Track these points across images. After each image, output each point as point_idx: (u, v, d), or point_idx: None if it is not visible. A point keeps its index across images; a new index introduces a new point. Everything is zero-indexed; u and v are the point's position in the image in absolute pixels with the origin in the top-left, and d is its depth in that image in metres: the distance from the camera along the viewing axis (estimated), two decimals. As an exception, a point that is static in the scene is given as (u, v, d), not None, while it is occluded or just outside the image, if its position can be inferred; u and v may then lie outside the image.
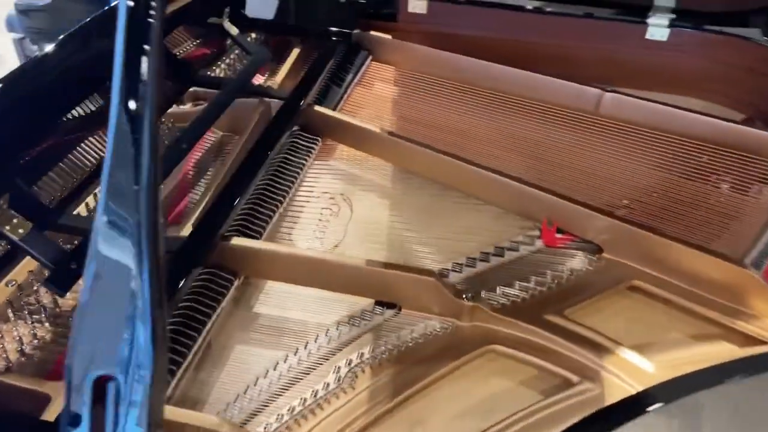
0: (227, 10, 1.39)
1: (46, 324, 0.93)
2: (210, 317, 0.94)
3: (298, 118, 1.34)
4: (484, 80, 1.55)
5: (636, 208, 1.23)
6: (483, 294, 1.05)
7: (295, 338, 0.97)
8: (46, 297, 0.96)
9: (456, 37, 1.77)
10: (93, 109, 1.08)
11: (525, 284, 1.07)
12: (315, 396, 0.88)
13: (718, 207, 1.21)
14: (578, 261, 1.12)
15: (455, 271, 1.09)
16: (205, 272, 0.98)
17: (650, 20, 1.63)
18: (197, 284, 0.96)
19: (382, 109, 1.52)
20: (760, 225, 1.15)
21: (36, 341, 0.91)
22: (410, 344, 0.96)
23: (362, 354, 0.94)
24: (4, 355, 0.87)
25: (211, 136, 1.40)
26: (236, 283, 1.01)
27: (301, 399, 0.88)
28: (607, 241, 1.14)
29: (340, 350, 0.95)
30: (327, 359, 0.94)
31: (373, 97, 1.56)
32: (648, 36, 1.65)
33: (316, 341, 0.96)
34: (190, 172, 1.30)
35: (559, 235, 1.17)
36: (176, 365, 0.86)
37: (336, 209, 1.27)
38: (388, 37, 1.67)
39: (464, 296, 0.98)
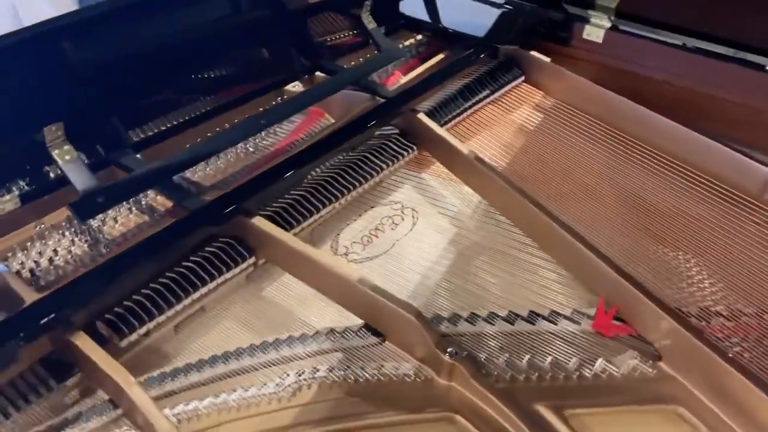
0: (368, 2, 1.39)
1: (84, 245, 1.04)
2: (206, 283, 0.96)
3: (394, 120, 1.30)
4: (639, 130, 1.35)
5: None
6: (482, 357, 0.91)
7: (274, 331, 0.95)
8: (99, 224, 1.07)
9: (631, 74, 1.56)
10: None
11: (538, 363, 0.90)
12: (246, 392, 0.85)
13: None
14: (624, 361, 0.92)
15: (468, 321, 0.97)
16: (222, 240, 1.00)
17: None
18: (209, 249, 0.99)
19: (505, 134, 1.41)
20: None
21: (69, 256, 1.02)
22: (373, 379, 0.88)
23: (317, 369, 0.88)
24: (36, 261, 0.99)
25: (322, 122, 1.43)
26: (249, 260, 1.01)
27: (237, 390, 0.86)
28: (668, 349, 0.92)
29: (301, 358, 0.90)
30: (284, 363, 0.90)
31: (502, 118, 1.45)
32: None
33: (288, 341, 0.93)
34: (285, 151, 1.33)
35: (616, 323, 0.97)
36: (149, 315, 0.89)
37: (398, 221, 1.22)
38: (546, 59, 1.53)
39: (447, 349, 0.86)
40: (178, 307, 0.94)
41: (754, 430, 0.81)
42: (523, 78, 1.56)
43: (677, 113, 1.51)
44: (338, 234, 1.18)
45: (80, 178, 0.94)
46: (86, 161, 1.07)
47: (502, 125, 1.43)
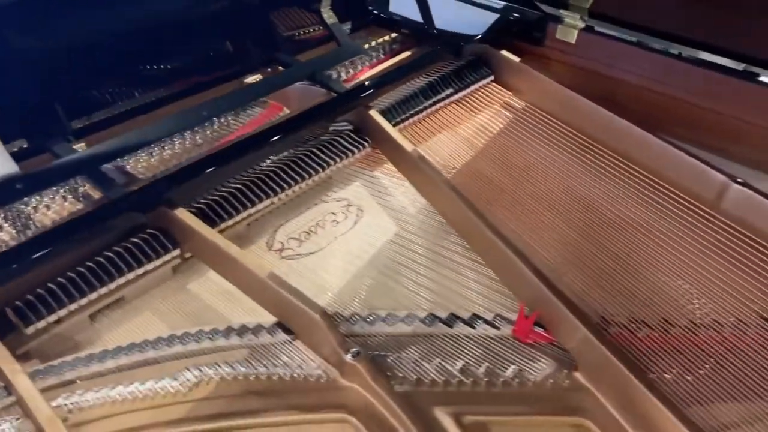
0: (331, -3, 1.37)
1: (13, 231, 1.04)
2: (124, 274, 0.95)
3: (348, 117, 1.28)
4: (600, 133, 1.32)
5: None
6: (391, 358, 0.89)
7: (189, 325, 0.95)
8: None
9: (604, 77, 1.53)
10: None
11: (448, 367, 0.88)
12: (143, 385, 0.84)
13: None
14: (538, 369, 0.89)
15: (384, 321, 0.94)
16: (146, 231, 1.00)
17: None
18: (131, 239, 0.98)
19: (468, 134, 1.38)
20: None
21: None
22: (276, 377, 0.86)
23: (219, 365, 0.87)
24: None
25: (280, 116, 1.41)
26: (173, 253, 1.00)
27: (134, 383, 0.85)
28: (584, 359, 0.88)
29: (206, 353, 0.89)
30: (189, 357, 0.89)
31: (467, 118, 1.42)
32: None
33: (196, 335, 0.92)
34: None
35: (537, 329, 0.94)
36: (59, 303, 0.89)
37: (341, 218, 1.20)
38: (515, 59, 1.50)
39: (350, 350, 0.84)
40: (92, 296, 0.93)
41: None
42: (492, 78, 1.53)
43: (649, 117, 1.47)
44: (277, 229, 1.17)
45: (2, 164, 0.94)
46: (25, 146, 1.08)
47: (467, 125, 1.41)
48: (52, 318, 0.90)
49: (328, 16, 1.41)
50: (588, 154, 1.29)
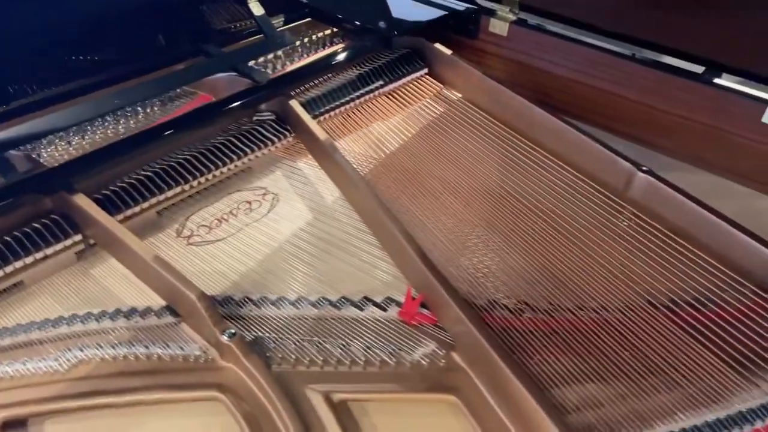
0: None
1: None
2: (20, 258, 0.97)
3: (271, 107, 1.30)
4: (521, 123, 1.34)
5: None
6: (272, 340, 0.90)
7: (82, 308, 0.96)
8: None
9: (534, 69, 1.54)
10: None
11: (329, 348, 0.90)
12: (24, 365, 0.86)
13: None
14: (417, 349, 0.90)
15: (274, 305, 0.96)
16: (48, 217, 1.01)
17: None
18: (33, 224, 1.00)
19: (396, 125, 1.40)
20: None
21: None
22: (156, 357, 0.88)
23: (101, 345, 0.89)
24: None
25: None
26: (74, 238, 1.02)
27: (16, 363, 0.87)
28: (460, 341, 0.90)
29: (90, 335, 0.91)
30: (74, 338, 0.91)
31: (397, 110, 1.45)
32: (765, 119, 1.24)
33: (84, 317, 0.94)
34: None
35: (423, 311, 0.96)
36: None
37: (256, 206, 1.22)
38: (447, 51, 1.51)
39: (225, 331, 0.86)
40: (-14, 279, 0.95)
41: None
42: (426, 70, 1.54)
43: (576, 108, 1.49)
44: (189, 217, 1.18)
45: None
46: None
47: (396, 116, 1.43)
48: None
49: (256, 8, 1.42)
50: (507, 144, 1.31)
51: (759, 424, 0.80)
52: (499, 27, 1.60)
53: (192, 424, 0.82)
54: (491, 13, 1.60)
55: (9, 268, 0.97)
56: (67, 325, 0.93)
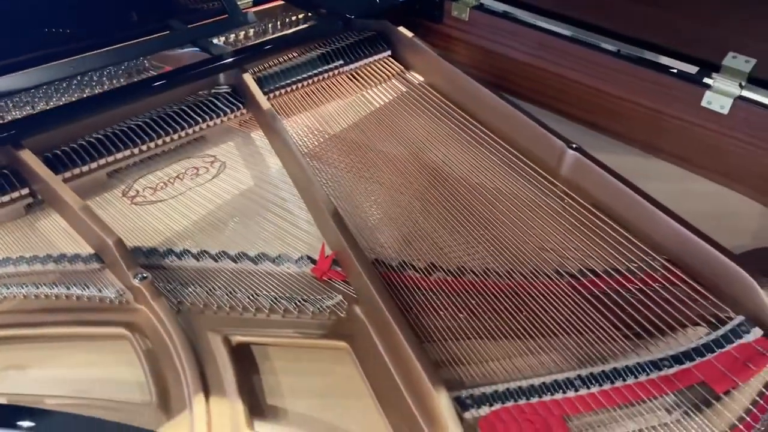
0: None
1: None
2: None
3: (226, 79, 1.39)
4: (471, 103, 1.38)
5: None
6: (186, 288, 0.97)
7: (18, 251, 1.03)
8: None
9: (492, 53, 1.58)
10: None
11: (237, 297, 0.96)
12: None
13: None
14: (322, 301, 0.96)
15: (195, 257, 1.02)
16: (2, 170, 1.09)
17: (715, 83, 1.24)
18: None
19: (352, 103, 1.46)
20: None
21: None
22: (74, 297, 0.95)
23: (25, 285, 0.96)
24: None
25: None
26: (20, 192, 1.09)
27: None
28: (362, 295, 0.95)
29: (18, 276, 0.98)
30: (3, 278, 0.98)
31: (355, 88, 1.50)
32: (704, 103, 1.27)
33: (16, 260, 1.01)
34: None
35: (335, 269, 1.01)
36: None
37: (203, 172, 1.28)
38: (408, 34, 1.56)
39: (137, 275, 0.92)
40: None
41: (409, 387, 0.83)
42: (389, 52, 1.59)
43: (531, 92, 1.53)
44: (137, 179, 1.25)
45: None
46: None
47: (353, 95, 1.48)
48: None
49: (216, -15, 1.49)
50: (455, 123, 1.36)
51: (631, 380, 0.83)
52: (460, 11, 1.64)
53: (101, 359, 0.88)
54: (453, -3, 1.64)
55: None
56: (1, 266, 0.99)
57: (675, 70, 1.32)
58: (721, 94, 1.26)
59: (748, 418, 0.79)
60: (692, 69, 1.31)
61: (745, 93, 1.24)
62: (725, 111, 1.27)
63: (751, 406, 0.81)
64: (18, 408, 0.76)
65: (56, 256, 1.01)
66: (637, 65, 1.36)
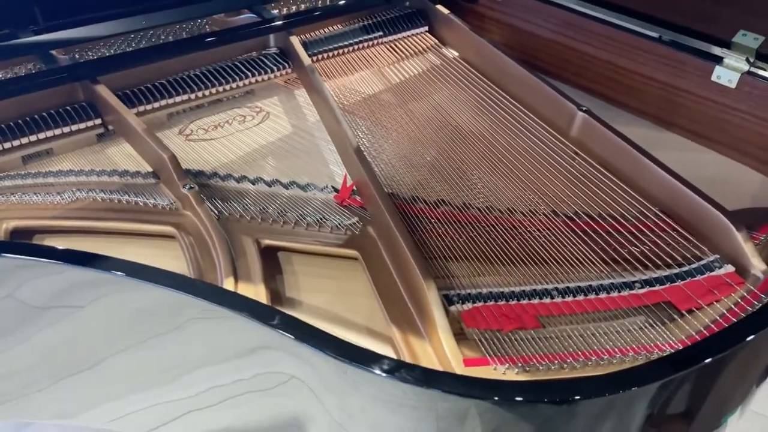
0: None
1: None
2: (51, 129, 1.25)
3: (275, 41, 1.57)
4: (496, 72, 1.52)
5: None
6: (228, 202, 1.14)
7: (89, 165, 1.23)
8: None
9: (523, 32, 1.71)
10: None
11: (269, 211, 1.12)
12: (38, 197, 1.13)
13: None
14: (341, 220, 1.11)
15: (235, 180, 1.20)
16: (79, 102, 1.29)
17: (725, 58, 1.34)
18: (64, 107, 1.28)
19: (388, 69, 1.62)
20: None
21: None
22: (133, 202, 1.13)
23: (95, 191, 1.14)
24: None
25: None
26: (94, 122, 1.29)
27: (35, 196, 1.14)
28: (374, 218, 1.10)
29: (89, 184, 1.17)
30: (78, 185, 1.17)
31: (393, 57, 1.65)
32: (714, 78, 1.37)
33: (87, 172, 1.20)
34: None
35: (354, 197, 1.16)
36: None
37: (249, 119, 1.46)
38: (445, 11, 1.71)
39: (186, 185, 1.10)
40: (23, 140, 1.23)
41: (408, 289, 0.97)
42: (426, 28, 1.74)
43: (557, 69, 1.64)
44: (192, 121, 1.44)
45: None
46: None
47: (390, 63, 1.63)
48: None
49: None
50: (479, 89, 1.49)
51: (603, 295, 0.95)
52: (494, -7, 1.77)
53: (151, 252, 1.06)
54: (490, -20, 1.77)
55: (41, 135, 1.25)
56: (75, 176, 1.19)
57: (688, 46, 1.41)
58: (730, 69, 1.35)
59: (703, 331, 0.89)
60: (704, 45, 1.40)
61: (752, 69, 1.33)
62: (732, 85, 1.35)
63: (710, 324, 0.91)
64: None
65: (120, 171, 1.20)
66: (653, 42, 1.45)
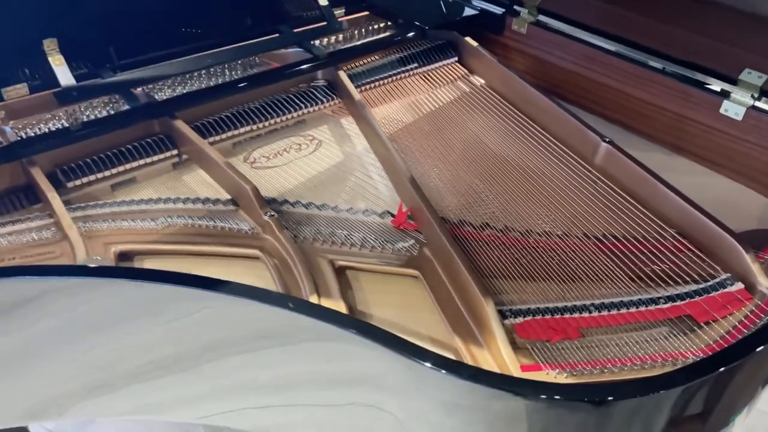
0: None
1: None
2: (136, 160, 1.42)
3: (322, 74, 1.74)
4: (524, 103, 1.68)
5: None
6: (300, 226, 1.30)
7: (172, 193, 1.39)
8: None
9: (546, 63, 1.88)
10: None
11: (338, 235, 1.29)
12: (134, 222, 1.30)
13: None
14: (400, 242, 1.28)
15: (305, 206, 1.36)
16: (157, 135, 1.46)
17: (732, 94, 1.51)
18: (145, 140, 1.45)
19: (423, 98, 1.78)
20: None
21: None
22: (218, 228, 1.30)
23: (182, 216, 1.31)
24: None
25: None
26: (171, 152, 1.46)
27: (129, 221, 1.31)
28: (430, 240, 1.27)
29: (176, 210, 1.34)
30: (166, 211, 1.34)
31: (426, 87, 1.82)
32: (721, 110, 1.54)
33: (173, 199, 1.37)
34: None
35: (410, 222, 1.33)
36: (90, 171, 1.36)
37: (304, 147, 1.63)
38: (474, 44, 1.88)
39: (267, 213, 1.27)
40: (113, 171, 1.39)
41: (465, 304, 1.14)
42: (456, 59, 1.91)
43: (576, 97, 1.81)
44: (254, 150, 1.60)
45: (64, 78, 1.43)
46: (81, 70, 1.55)
47: (424, 92, 1.80)
48: (86, 180, 1.37)
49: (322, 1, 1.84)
50: (510, 119, 1.65)
51: (633, 309, 1.12)
52: (520, 25, 1.94)
53: (237, 271, 1.22)
54: (515, 14, 1.94)
55: (128, 166, 1.41)
56: (163, 203, 1.35)
57: (699, 81, 1.58)
58: (736, 104, 1.52)
59: (719, 341, 1.06)
60: (714, 81, 1.57)
61: (757, 104, 1.50)
62: (739, 118, 1.52)
63: (725, 334, 1.08)
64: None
65: (202, 199, 1.36)
66: (667, 76, 1.62)
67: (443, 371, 0.87)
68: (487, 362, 1.03)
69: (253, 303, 0.96)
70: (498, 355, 1.02)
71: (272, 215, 1.25)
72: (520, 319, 1.08)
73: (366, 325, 0.93)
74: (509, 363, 1.00)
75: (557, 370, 0.99)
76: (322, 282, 1.16)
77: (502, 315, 1.09)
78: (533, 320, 1.08)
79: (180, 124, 1.44)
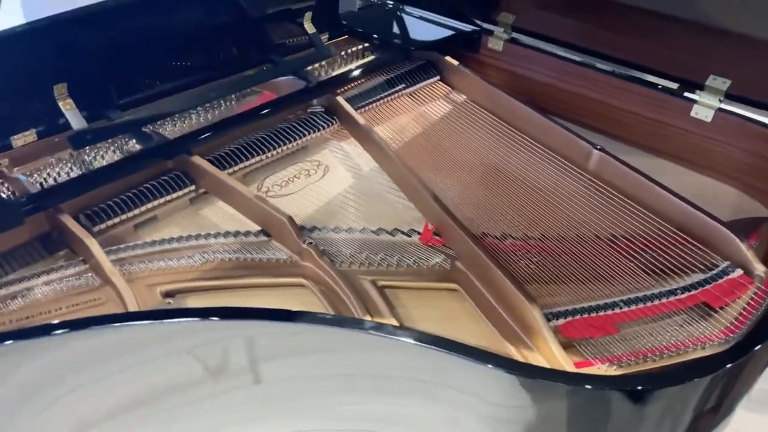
0: (308, 13, 1.86)
1: (79, 172, 1.51)
2: (157, 198, 1.42)
3: (320, 101, 1.78)
4: (510, 116, 1.79)
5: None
6: (334, 250, 1.35)
7: (198, 230, 1.41)
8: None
9: (522, 77, 1.99)
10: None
11: (372, 256, 1.34)
12: (170, 262, 1.31)
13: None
14: (431, 258, 1.35)
15: (333, 231, 1.41)
16: (172, 172, 1.47)
17: (700, 98, 1.66)
18: (162, 177, 1.45)
19: (413, 118, 1.86)
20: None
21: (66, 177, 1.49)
22: (256, 260, 1.33)
23: (218, 252, 1.33)
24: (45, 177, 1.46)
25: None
26: (189, 188, 1.47)
27: (164, 261, 1.32)
28: (461, 254, 1.35)
29: (209, 246, 1.36)
30: (199, 248, 1.35)
31: (414, 106, 1.90)
32: (692, 114, 1.69)
33: (204, 236, 1.39)
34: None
35: (435, 237, 1.40)
36: (114, 214, 1.36)
37: (313, 173, 1.67)
38: (455, 63, 1.97)
39: (305, 241, 1.31)
40: (135, 212, 1.40)
41: (508, 311, 1.22)
42: (438, 77, 2.00)
43: (554, 108, 1.94)
44: (265, 178, 1.63)
45: (76, 121, 1.42)
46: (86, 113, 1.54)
47: (414, 112, 1.88)
48: (110, 223, 1.37)
49: (309, 28, 1.89)
50: (498, 131, 1.76)
51: (656, 302, 1.24)
52: (495, 44, 2.06)
53: (284, 301, 1.26)
54: (490, 32, 2.06)
55: (149, 205, 1.42)
56: (195, 240, 1.37)
57: (671, 88, 1.74)
58: (705, 107, 1.68)
59: (735, 322, 1.19)
60: (683, 87, 1.73)
61: (723, 106, 1.67)
62: (708, 120, 1.69)
63: (738, 316, 1.21)
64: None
65: (233, 232, 1.39)
66: (641, 85, 1.77)
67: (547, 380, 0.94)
68: (540, 363, 1.12)
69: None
70: (551, 355, 1.11)
71: (311, 242, 1.29)
72: (561, 320, 1.18)
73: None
74: (563, 362, 1.09)
75: (606, 363, 1.09)
76: (370, 303, 1.22)
77: (546, 318, 1.18)
78: (573, 320, 1.18)
79: (198, 160, 1.47)
